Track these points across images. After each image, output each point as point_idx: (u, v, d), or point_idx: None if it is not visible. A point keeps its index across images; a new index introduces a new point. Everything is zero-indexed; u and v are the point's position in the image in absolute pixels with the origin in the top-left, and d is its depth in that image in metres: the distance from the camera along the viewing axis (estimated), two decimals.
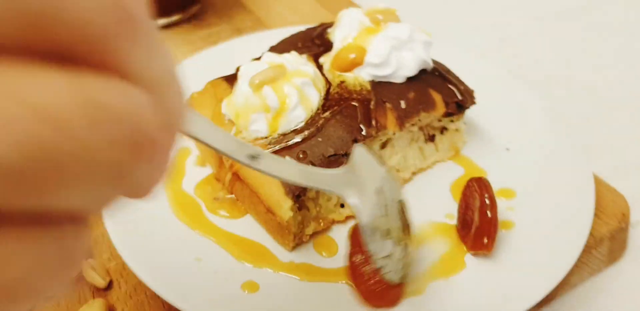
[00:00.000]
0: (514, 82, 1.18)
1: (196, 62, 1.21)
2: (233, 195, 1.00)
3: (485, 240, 0.87)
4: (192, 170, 1.05)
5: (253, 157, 0.58)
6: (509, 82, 1.18)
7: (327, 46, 1.02)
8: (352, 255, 0.85)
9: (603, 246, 1.01)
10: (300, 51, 1.03)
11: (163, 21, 1.46)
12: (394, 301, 0.82)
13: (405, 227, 0.79)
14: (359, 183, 0.71)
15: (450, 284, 0.87)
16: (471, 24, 1.63)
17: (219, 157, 0.97)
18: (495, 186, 1.01)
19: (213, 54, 1.22)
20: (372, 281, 0.81)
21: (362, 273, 0.82)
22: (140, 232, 0.91)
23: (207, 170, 1.05)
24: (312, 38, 1.06)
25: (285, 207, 0.86)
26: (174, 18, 1.47)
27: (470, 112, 1.15)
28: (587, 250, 0.98)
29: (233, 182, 0.97)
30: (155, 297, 0.89)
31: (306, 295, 0.85)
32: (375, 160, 0.75)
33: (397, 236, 0.77)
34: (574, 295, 0.98)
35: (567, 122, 1.11)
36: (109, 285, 0.92)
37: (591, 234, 0.99)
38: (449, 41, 1.26)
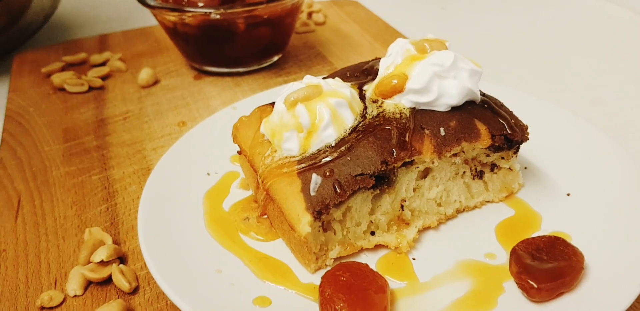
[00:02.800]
0: (587, 128, 1.11)
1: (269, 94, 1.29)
2: (265, 216, 1.00)
3: (536, 285, 0.78)
4: (235, 192, 1.07)
5: None
6: (582, 127, 1.11)
7: (375, 76, 1.03)
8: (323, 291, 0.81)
9: None
10: (348, 80, 1.05)
11: (242, 69, 1.57)
12: None
13: None
14: None
15: None
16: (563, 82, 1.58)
17: (257, 180, 0.99)
18: (548, 229, 0.93)
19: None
20: None
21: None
22: (170, 242, 0.93)
23: (249, 193, 1.07)
24: (363, 69, 1.09)
25: (303, 222, 0.84)
26: (253, 67, 1.58)
27: (533, 156, 1.10)
28: None
29: (267, 202, 0.97)
30: (174, 306, 0.90)
31: None
32: None
33: None
34: None
35: None
36: (135, 291, 0.94)
37: None
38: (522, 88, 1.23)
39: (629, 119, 1.40)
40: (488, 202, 1.02)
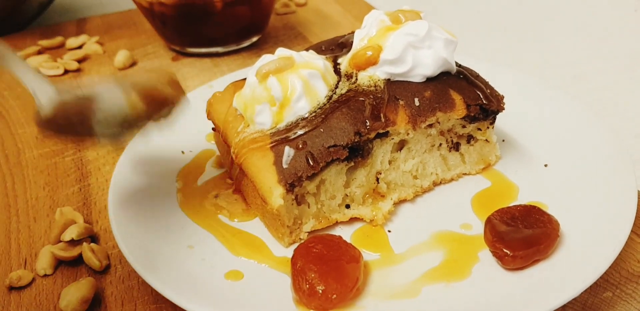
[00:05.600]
0: (564, 99, 1.09)
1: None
2: (236, 194, 0.99)
3: (511, 253, 0.77)
4: (210, 170, 1.05)
5: None
6: (559, 99, 1.10)
7: (350, 49, 1.01)
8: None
9: None
10: (323, 53, 1.03)
11: (220, 49, 1.54)
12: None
13: None
14: None
15: (449, 289, 0.77)
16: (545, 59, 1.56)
17: (231, 156, 0.97)
18: (525, 199, 0.92)
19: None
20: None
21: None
22: (142, 219, 0.91)
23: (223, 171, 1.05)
24: (338, 43, 1.06)
25: (275, 194, 0.83)
26: (232, 47, 1.55)
27: (511, 129, 1.08)
28: (633, 279, 0.84)
29: (240, 177, 0.95)
30: (145, 284, 0.88)
31: (287, 290, 0.79)
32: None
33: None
34: None
35: (622, 142, 0.98)
36: (107, 269, 0.92)
37: (638, 261, 0.85)
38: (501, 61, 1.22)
39: (611, 95, 1.39)
40: (465, 174, 1.01)
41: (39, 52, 1.65)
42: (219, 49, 1.54)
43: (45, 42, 1.68)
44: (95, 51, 1.63)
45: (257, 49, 1.58)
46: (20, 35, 1.77)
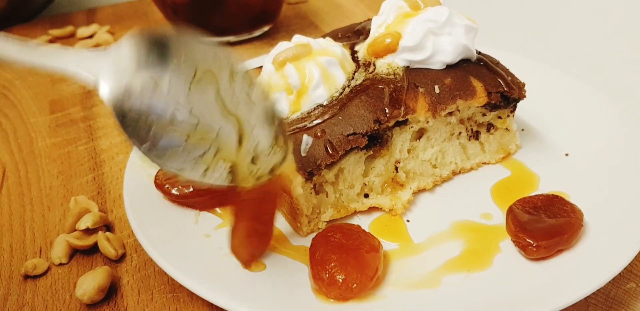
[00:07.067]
0: (583, 88, 1.07)
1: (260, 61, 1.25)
2: None
3: (534, 242, 0.76)
4: None
5: None
6: (578, 88, 1.08)
7: (367, 36, 0.99)
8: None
9: None
10: (340, 40, 1.01)
11: (232, 38, 1.53)
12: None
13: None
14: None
15: (470, 279, 0.76)
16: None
17: None
18: (546, 189, 0.91)
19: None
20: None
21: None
22: (157, 208, 0.90)
23: None
24: (355, 30, 1.05)
25: (294, 183, 0.82)
26: (244, 37, 1.54)
27: (530, 118, 1.07)
28: None
29: None
30: (162, 272, 0.87)
31: (306, 279, 0.78)
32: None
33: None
34: None
35: None
36: (122, 258, 0.91)
37: None
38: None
39: (627, 84, 1.36)
40: (485, 163, 0.99)
41: (50, 42, 1.64)
42: (231, 38, 1.53)
43: (56, 32, 1.67)
44: (106, 40, 1.62)
45: (269, 38, 1.56)
46: (30, 24, 1.76)
